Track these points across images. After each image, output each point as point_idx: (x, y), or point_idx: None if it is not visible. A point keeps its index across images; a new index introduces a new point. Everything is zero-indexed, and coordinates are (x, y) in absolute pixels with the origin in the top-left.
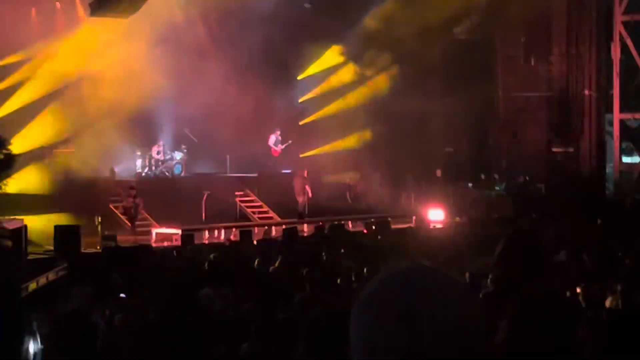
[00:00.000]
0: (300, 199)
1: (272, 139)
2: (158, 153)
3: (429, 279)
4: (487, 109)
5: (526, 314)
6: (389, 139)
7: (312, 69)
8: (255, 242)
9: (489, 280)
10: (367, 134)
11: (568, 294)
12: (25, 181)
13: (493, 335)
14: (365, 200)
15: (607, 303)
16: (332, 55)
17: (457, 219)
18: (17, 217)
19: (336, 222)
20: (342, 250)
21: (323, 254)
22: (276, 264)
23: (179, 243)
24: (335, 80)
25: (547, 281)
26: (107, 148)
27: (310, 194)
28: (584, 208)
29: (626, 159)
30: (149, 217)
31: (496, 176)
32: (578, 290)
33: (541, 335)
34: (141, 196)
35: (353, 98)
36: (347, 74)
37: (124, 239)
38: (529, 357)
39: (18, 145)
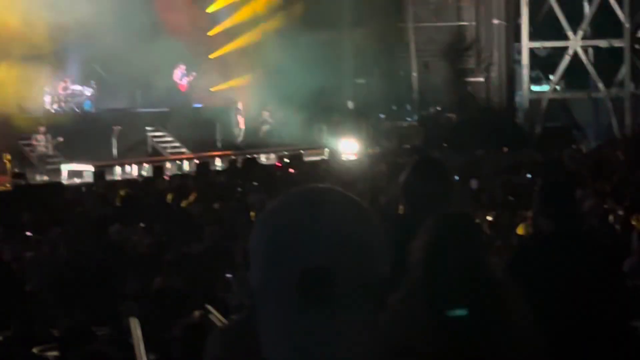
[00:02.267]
0: (236, 131)
1: (178, 74)
2: (65, 89)
3: (330, 198)
4: (398, 40)
5: (439, 235)
6: (299, 70)
7: (222, 1)
8: (168, 178)
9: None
10: (276, 66)
11: (478, 221)
12: None
13: (405, 258)
14: (278, 133)
15: (518, 230)
16: None
17: (370, 150)
18: None
19: (249, 156)
20: (255, 184)
21: (238, 188)
22: (190, 199)
23: (90, 180)
24: (246, 12)
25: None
26: (14, 83)
27: (242, 126)
28: (495, 137)
29: (535, 88)
30: (58, 154)
31: (408, 107)
32: (489, 217)
33: (453, 257)
34: (50, 133)
35: (262, 30)
36: (258, 5)
37: (34, 177)
38: (441, 276)
39: None
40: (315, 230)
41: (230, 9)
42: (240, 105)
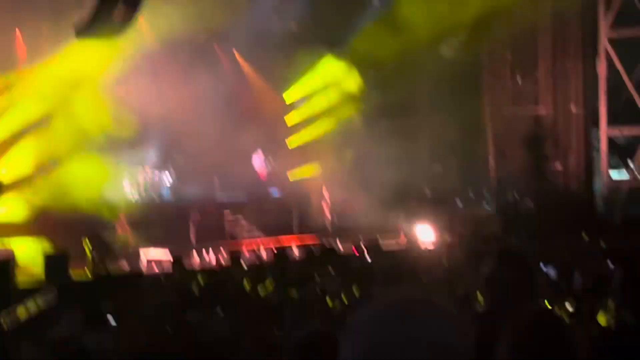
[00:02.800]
0: (319, 217)
1: (256, 161)
2: (144, 177)
3: (423, 310)
4: (474, 127)
5: (523, 334)
6: (376, 158)
7: (298, 90)
8: (245, 266)
9: (479, 300)
10: (351, 154)
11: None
12: (11, 208)
13: (490, 356)
14: (354, 220)
15: (599, 320)
16: (318, 77)
17: (447, 237)
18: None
19: (328, 246)
20: (333, 273)
21: (315, 274)
22: (266, 286)
23: (169, 268)
24: (322, 100)
25: (538, 299)
26: (95, 172)
27: (327, 213)
28: (573, 225)
29: (614, 175)
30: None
31: (485, 194)
32: (568, 307)
33: (539, 355)
34: (130, 221)
35: (339, 118)
36: (333, 94)
37: (114, 267)
38: None
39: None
40: (403, 343)
41: (307, 98)
42: (325, 192)
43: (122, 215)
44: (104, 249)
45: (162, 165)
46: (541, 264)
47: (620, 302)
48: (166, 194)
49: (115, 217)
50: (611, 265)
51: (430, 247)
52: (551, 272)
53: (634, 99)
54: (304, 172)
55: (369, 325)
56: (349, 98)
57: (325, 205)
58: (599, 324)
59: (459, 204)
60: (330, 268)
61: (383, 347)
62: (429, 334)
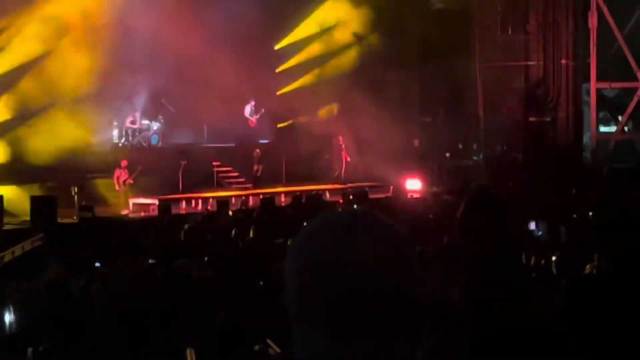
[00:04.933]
0: (335, 165)
1: (247, 110)
2: (133, 122)
3: (366, 222)
4: (464, 79)
5: (479, 274)
6: (367, 108)
7: (289, 38)
8: (231, 213)
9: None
10: (343, 105)
11: (543, 262)
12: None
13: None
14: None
15: (586, 271)
16: (309, 25)
17: (435, 188)
18: None
19: (314, 193)
20: None
21: (305, 223)
22: (251, 234)
23: (155, 213)
24: (313, 49)
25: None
26: (83, 118)
27: (348, 158)
28: (561, 177)
29: (603, 128)
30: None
31: (474, 146)
32: (554, 258)
33: (496, 296)
34: (119, 167)
35: (330, 68)
36: (323, 44)
37: (101, 210)
38: (484, 316)
39: None
40: (351, 255)
41: (298, 47)
42: (341, 140)
43: (124, 162)
44: (91, 194)
45: (152, 113)
46: (529, 219)
47: (603, 250)
48: (155, 141)
49: (103, 163)
50: (596, 217)
51: (417, 197)
52: (537, 225)
53: (624, 53)
54: (296, 121)
55: (316, 232)
56: (340, 48)
57: (343, 154)
58: (582, 273)
59: (448, 155)
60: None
61: (328, 252)
62: (375, 241)
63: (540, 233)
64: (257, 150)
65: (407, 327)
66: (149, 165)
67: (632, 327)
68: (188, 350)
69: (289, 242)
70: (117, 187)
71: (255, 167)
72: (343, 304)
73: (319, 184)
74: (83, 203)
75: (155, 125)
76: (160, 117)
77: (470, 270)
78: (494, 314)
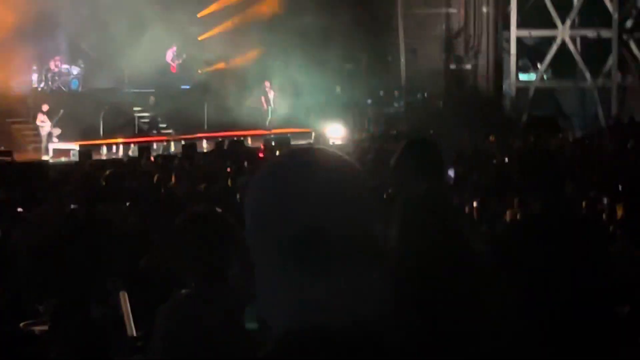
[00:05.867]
0: (260, 111)
1: (169, 55)
2: (53, 68)
3: (322, 157)
4: (387, 26)
5: (410, 216)
6: (287, 55)
7: None
8: (152, 159)
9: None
10: (267, 51)
11: (467, 209)
12: None
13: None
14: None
15: (507, 216)
16: None
17: (357, 135)
18: None
19: (235, 139)
20: (245, 166)
21: (228, 169)
22: (173, 180)
23: (76, 159)
24: None
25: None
26: (1, 62)
27: (272, 104)
28: (481, 124)
29: (523, 77)
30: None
31: (395, 93)
32: (475, 204)
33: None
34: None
35: (253, 13)
36: None
37: (21, 156)
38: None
39: None
40: (308, 189)
41: None
42: (267, 85)
43: (45, 106)
44: (11, 139)
45: (71, 57)
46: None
47: (525, 196)
48: (75, 86)
49: (23, 107)
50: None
51: (339, 143)
52: (455, 172)
53: (544, 2)
54: (218, 66)
55: (275, 169)
56: None
57: (264, 100)
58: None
59: (369, 102)
60: (238, 162)
61: (287, 188)
62: (333, 176)
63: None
64: (152, 97)
65: (368, 261)
66: (69, 110)
67: (551, 271)
68: (120, 294)
69: (247, 181)
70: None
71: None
72: (302, 239)
73: (241, 130)
74: (2, 148)
75: (75, 70)
76: (80, 61)
77: (405, 212)
78: (425, 253)
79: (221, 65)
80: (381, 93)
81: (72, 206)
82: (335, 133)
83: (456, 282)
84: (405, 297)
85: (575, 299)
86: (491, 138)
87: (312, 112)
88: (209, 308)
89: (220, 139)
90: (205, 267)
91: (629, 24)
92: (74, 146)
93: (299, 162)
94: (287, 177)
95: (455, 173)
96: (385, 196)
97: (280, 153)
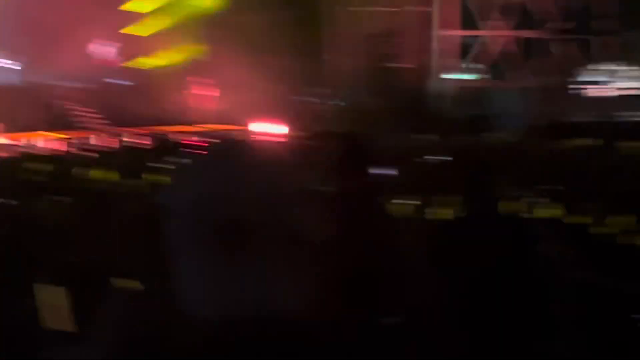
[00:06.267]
0: (192, 106)
1: (100, 50)
2: None
3: (250, 150)
4: (321, 23)
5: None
6: (224, 50)
7: None
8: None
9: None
10: (201, 46)
11: (399, 208)
12: None
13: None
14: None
15: (437, 215)
16: None
17: (290, 131)
18: None
19: (164, 134)
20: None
21: (157, 165)
22: (104, 175)
23: (9, 152)
24: None
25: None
26: None
27: (205, 99)
28: (413, 122)
29: (454, 75)
30: None
31: (328, 90)
32: (400, 201)
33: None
34: None
35: (187, 8)
36: None
37: None
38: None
39: None
40: (232, 181)
41: None
42: (204, 80)
43: None
44: None
45: (6, 51)
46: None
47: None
48: (8, 78)
49: None
50: (446, 162)
51: (278, 140)
52: (387, 169)
53: (477, 1)
54: (154, 61)
55: (197, 162)
56: None
57: (189, 96)
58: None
59: (304, 99)
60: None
61: (209, 182)
62: (256, 169)
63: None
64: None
65: (289, 256)
66: (2, 103)
67: (476, 269)
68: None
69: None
70: None
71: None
72: (225, 234)
73: (171, 126)
74: None
75: (9, 63)
76: (14, 55)
77: (334, 207)
78: (353, 248)
79: (159, 60)
80: (317, 90)
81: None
82: (270, 130)
83: (382, 278)
84: (334, 291)
85: (499, 297)
86: (423, 137)
87: (248, 108)
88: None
89: (154, 135)
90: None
91: (558, 24)
92: (6, 140)
93: (221, 154)
94: (209, 171)
95: (387, 171)
96: (316, 192)
97: (205, 145)
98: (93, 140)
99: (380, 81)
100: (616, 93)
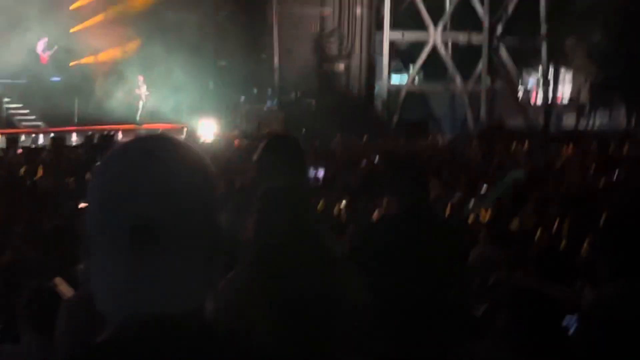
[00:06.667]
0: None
1: (40, 46)
2: None
3: (164, 146)
4: (262, 24)
5: (267, 206)
6: (162, 50)
7: None
8: (20, 151)
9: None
10: (137, 44)
11: (336, 209)
12: None
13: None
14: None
15: (374, 217)
16: None
17: (229, 132)
18: None
19: (106, 133)
20: None
21: (97, 163)
22: (40, 173)
23: None
24: None
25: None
26: None
27: (144, 99)
28: (353, 125)
29: (395, 79)
30: None
31: (269, 91)
32: (343, 203)
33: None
34: None
35: (127, 6)
36: None
37: None
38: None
39: None
40: (146, 178)
41: None
42: (141, 79)
43: None
44: None
45: None
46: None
47: (389, 195)
48: None
49: None
50: (386, 164)
51: (210, 141)
52: (326, 171)
53: (417, 4)
54: (90, 60)
55: (116, 158)
56: None
57: (142, 93)
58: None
59: (242, 99)
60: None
61: (126, 177)
62: (169, 167)
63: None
64: None
65: (202, 253)
66: None
67: (406, 270)
68: None
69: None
70: None
71: None
72: (137, 228)
73: (112, 125)
74: None
75: None
76: None
77: (262, 205)
78: (278, 247)
79: (94, 58)
80: (255, 91)
81: None
82: (207, 130)
83: (307, 278)
84: (259, 291)
85: (431, 296)
86: (362, 139)
87: (185, 108)
88: None
89: (90, 133)
90: None
91: (499, 29)
92: None
93: (139, 151)
94: (125, 166)
95: (325, 173)
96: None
97: (123, 142)
98: (24, 137)
99: (320, 83)
100: (549, 99)
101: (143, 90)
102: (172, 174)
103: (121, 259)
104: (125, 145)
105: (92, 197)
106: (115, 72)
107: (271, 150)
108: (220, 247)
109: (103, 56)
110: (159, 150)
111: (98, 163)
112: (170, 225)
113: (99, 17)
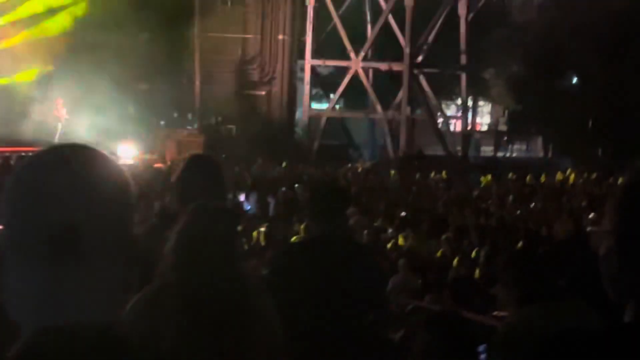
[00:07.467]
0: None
1: None
2: None
3: (84, 155)
4: (184, 48)
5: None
6: (83, 72)
7: None
8: None
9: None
10: (56, 67)
11: (255, 234)
12: None
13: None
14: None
15: (292, 240)
16: None
17: (148, 156)
18: None
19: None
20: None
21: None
22: None
23: None
24: (25, 9)
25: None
26: None
27: (62, 121)
28: (273, 151)
29: (315, 105)
30: None
31: (189, 115)
32: (262, 229)
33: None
34: None
35: (43, 28)
36: (36, 4)
37: None
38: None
39: None
40: (62, 187)
41: (7, 6)
42: (59, 102)
43: None
44: None
45: None
46: (240, 191)
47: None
48: None
49: None
50: (304, 190)
51: (130, 163)
52: (247, 197)
53: (339, 32)
54: (6, 81)
55: (32, 163)
56: (54, 9)
57: (61, 115)
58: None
59: (162, 123)
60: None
61: (44, 183)
62: (92, 174)
63: (249, 207)
64: None
65: (117, 263)
66: None
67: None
68: None
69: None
70: None
71: None
72: (55, 235)
73: (29, 147)
74: None
75: None
76: None
77: (185, 229)
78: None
79: (9, 80)
80: (175, 115)
81: None
82: (127, 153)
83: (222, 290)
84: (170, 301)
85: (346, 319)
86: (282, 165)
87: (103, 131)
88: None
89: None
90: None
91: (419, 58)
92: None
93: (54, 159)
94: (45, 174)
95: (247, 198)
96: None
97: (41, 149)
98: None
99: (241, 108)
100: (469, 128)
101: (62, 112)
102: (88, 183)
103: (38, 269)
104: (40, 154)
105: (7, 208)
106: (32, 94)
107: (192, 171)
108: (134, 257)
109: (20, 77)
110: (74, 159)
111: (12, 173)
112: (87, 233)
113: (16, 39)
